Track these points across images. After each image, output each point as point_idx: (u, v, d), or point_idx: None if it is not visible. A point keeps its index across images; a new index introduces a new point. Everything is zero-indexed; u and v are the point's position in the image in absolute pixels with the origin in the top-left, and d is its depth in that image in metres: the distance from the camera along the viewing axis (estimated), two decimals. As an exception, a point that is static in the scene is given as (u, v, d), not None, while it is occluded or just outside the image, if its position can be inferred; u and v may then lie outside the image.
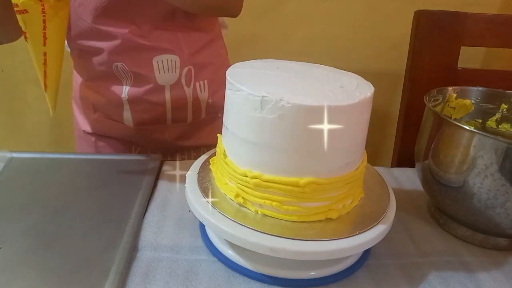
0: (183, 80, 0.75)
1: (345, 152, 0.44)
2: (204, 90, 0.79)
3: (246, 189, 0.45)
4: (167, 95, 0.75)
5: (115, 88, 0.73)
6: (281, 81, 0.46)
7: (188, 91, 0.77)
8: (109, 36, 0.68)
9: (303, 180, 0.42)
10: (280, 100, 0.40)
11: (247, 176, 0.44)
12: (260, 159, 0.43)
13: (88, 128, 0.80)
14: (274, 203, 0.44)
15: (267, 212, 0.45)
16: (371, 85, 0.46)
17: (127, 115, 0.75)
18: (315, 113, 0.40)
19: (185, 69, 0.75)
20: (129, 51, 0.69)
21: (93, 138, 0.81)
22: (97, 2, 0.65)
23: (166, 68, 0.72)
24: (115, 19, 0.67)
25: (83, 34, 0.68)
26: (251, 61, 0.52)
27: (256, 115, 0.42)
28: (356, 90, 0.44)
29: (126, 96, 0.73)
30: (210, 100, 0.80)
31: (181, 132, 0.80)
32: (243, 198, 0.46)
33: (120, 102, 0.74)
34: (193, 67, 0.76)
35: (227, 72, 0.46)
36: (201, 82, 0.78)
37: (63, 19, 0.55)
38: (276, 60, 0.53)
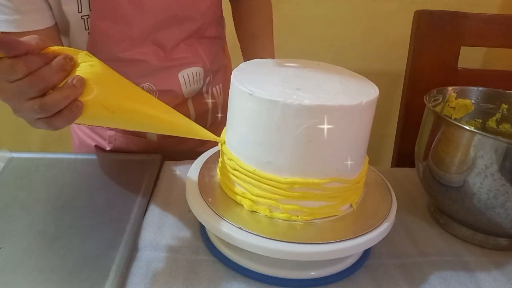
0: (204, 89, 0.76)
1: (347, 153, 0.44)
2: (220, 94, 0.80)
3: (248, 186, 0.45)
4: (190, 106, 0.75)
5: None
6: (286, 80, 0.45)
7: (208, 98, 0.77)
8: (134, 62, 0.66)
9: (304, 181, 0.42)
10: (285, 100, 0.40)
11: (251, 173, 0.44)
12: (263, 158, 0.43)
13: (104, 145, 0.77)
14: (272, 201, 0.44)
15: (268, 212, 0.45)
16: (376, 87, 0.46)
17: None
18: (318, 113, 0.40)
19: (207, 79, 0.76)
20: (155, 71, 0.68)
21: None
22: (124, 34, 0.63)
23: (192, 81, 0.72)
24: (140, 45, 0.65)
25: (105, 61, 0.66)
26: (255, 60, 0.52)
27: (259, 114, 0.42)
28: (360, 91, 0.44)
29: None
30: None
31: (202, 139, 0.80)
32: (245, 197, 0.46)
33: None
34: (212, 74, 0.77)
35: (233, 72, 0.46)
36: (217, 86, 0.79)
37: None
38: (283, 59, 0.53)
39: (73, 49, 0.41)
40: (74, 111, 0.39)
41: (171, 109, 0.44)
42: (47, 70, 0.38)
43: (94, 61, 0.41)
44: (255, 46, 0.74)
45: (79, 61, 0.40)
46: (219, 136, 0.50)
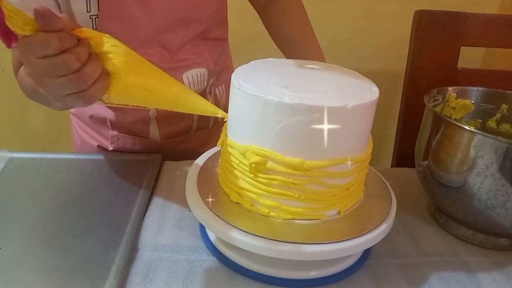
0: (207, 90, 0.76)
1: (348, 150, 0.44)
2: (223, 95, 0.80)
3: (248, 178, 0.45)
4: None
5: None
6: (287, 81, 0.45)
7: (210, 99, 0.77)
8: None
9: (307, 163, 0.42)
10: (284, 100, 0.40)
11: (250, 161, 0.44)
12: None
13: (107, 145, 0.77)
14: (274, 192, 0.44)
15: (267, 211, 0.45)
16: (376, 86, 0.46)
17: (154, 131, 0.74)
18: (318, 113, 0.40)
19: (211, 80, 0.76)
20: None
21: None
22: (131, 35, 0.63)
23: (196, 82, 0.72)
24: (146, 47, 0.65)
25: None
26: (256, 61, 0.52)
27: (260, 115, 0.42)
28: (359, 91, 0.44)
29: (155, 114, 0.72)
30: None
31: (204, 138, 0.80)
32: (246, 195, 0.46)
33: (147, 118, 0.73)
34: (216, 75, 0.77)
35: (233, 73, 0.46)
36: (220, 87, 0.79)
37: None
38: (288, 59, 0.53)
39: (98, 32, 0.42)
40: (105, 79, 0.41)
41: (186, 87, 0.47)
42: (79, 50, 0.39)
43: (114, 41, 0.42)
44: (296, 53, 0.73)
45: (104, 41, 0.41)
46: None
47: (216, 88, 0.78)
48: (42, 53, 0.37)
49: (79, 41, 0.39)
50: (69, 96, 0.41)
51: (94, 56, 0.40)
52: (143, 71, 0.44)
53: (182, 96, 0.47)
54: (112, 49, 0.41)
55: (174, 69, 0.69)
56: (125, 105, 0.45)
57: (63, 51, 0.38)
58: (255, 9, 0.79)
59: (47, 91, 0.42)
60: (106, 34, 0.42)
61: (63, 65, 0.38)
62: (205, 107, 0.48)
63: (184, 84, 0.71)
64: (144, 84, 0.43)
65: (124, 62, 0.41)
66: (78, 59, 0.38)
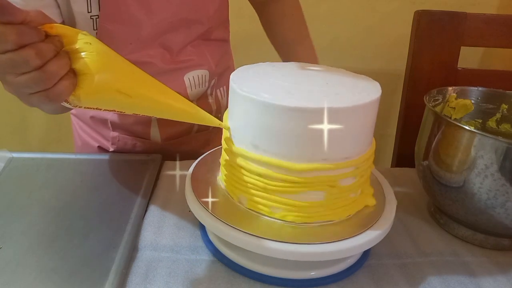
0: (208, 91, 0.76)
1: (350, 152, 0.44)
2: (224, 96, 0.80)
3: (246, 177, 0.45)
4: None
5: None
6: (287, 84, 0.45)
7: (211, 100, 0.77)
8: (141, 64, 0.64)
9: (306, 166, 0.42)
10: (284, 103, 0.40)
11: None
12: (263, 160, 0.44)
13: (107, 146, 0.76)
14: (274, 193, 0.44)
15: (268, 212, 0.45)
16: (379, 86, 0.46)
17: (155, 132, 0.74)
18: (318, 115, 0.40)
19: (212, 81, 0.75)
20: (161, 74, 0.66)
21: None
22: (131, 36, 0.62)
23: (197, 83, 0.72)
24: (148, 48, 0.65)
25: None
26: (255, 64, 0.52)
27: (260, 118, 0.42)
28: (361, 92, 0.44)
29: None
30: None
31: (205, 140, 0.80)
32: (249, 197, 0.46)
33: (148, 120, 0.73)
34: (217, 77, 0.77)
35: (231, 76, 0.46)
36: (221, 88, 0.79)
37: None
38: (287, 63, 0.53)
39: (73, 28, 0.39)
40: (72, 78, 0.38)
41: (178, 94, 0.45)
42: (42, 46, 0.36)
43: (90, 38, 0.39)
44: (289, 52, 0.73)
45: (78, 38, 0.38)
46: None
47: (218, 89, 0.78)
48: (0, 47, 0.35)
49: (48, 37, 0.37)
50: (34, 96, 0.38)
51: (62, 53, 0.37)
52: (122, 73, 0.41)
53: (172, 104, 0.44)
54: (85, 47, 0.38)
55: (175, 71, 0.69)
56: (97, 108, 0.42)
57: (22, 46, 0.35)
58: (254, 9, 0.79)
59: (11, 90, 0.39)
60: (83, 32, 0.39)
61: (22, 61, 0.35)
62: (201, 116, 0.45)
63: (184, 85, 0.71)
64: (121, 87, 0.40)
65: (96, 62, 0.38)
66: (38, 55, 0.35)
